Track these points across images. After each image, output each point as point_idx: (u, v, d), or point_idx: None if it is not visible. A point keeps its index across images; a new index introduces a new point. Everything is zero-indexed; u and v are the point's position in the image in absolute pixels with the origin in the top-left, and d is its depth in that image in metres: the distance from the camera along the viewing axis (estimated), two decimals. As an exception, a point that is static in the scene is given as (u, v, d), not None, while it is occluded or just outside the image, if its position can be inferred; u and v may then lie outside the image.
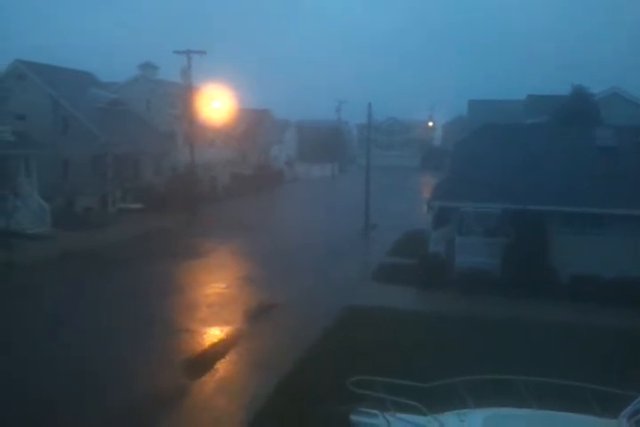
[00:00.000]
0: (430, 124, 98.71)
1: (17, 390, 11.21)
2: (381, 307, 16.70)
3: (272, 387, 11.48)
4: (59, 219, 28.04)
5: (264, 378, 12.07)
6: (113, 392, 11.28)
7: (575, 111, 30.25)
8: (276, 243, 26.82)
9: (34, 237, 25.32)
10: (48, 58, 52.40)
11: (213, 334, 14.94)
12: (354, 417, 7.80)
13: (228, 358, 13.33)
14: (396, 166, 78.68)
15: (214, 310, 16.93)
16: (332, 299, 17.62)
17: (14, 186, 27.02)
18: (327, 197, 47.96)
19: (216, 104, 43.31)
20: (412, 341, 13.88)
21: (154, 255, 23.57)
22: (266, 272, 21.28)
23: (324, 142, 74.48)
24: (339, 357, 12.82)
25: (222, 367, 12.83)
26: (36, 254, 22.60)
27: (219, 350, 13.68)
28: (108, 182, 34.15)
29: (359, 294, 18.38)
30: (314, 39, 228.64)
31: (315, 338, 14.17)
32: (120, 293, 18.12)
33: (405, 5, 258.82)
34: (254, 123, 57.74)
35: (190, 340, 14.47)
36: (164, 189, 37.16)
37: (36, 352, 13.22)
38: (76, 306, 16.77)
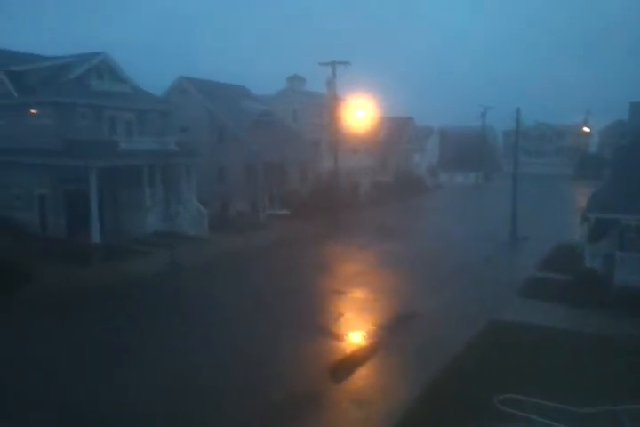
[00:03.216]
0: (586, 129, 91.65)
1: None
2: (530, 324, 15.82)
3: (413, 399, 11.37)
4: (214, 222, 30.28)
5: (404, 389, 11.99)
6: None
7: None
8: (419, 252, 26.57)
9: (193, 239, 27.60)
10: (208, 74, 56.67)
11: (355, 339, 15.17)
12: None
13: (367, 365, 13.44)
14: (547, 175, 74.23)
15: (352, 315, 17.19)
16: (476, 312, 17.04)
17: (177, 192, 29.65)
18: (471, 207, 46.56)
19: (359, 113, 44.01)
20: (566, 362, 12.96)
21: (302, 258, 24.78)
22: (408, 281, 21.19)
23: (468, 149, 72.31)
24: (483, 373, 12.36)
25: (363, 373, 12.97)
26: (196, 255, 24.61)
27: (358, 357, 13.84)
28: (258, 189, 36.19)
29: (505, 309, 17.56)
30: (456, 44, 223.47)
31: (457, 352, 13.80)
32: (277, 288, 19.19)
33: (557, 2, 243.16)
34: (396, 130, 57.80)
35: (333, 343, 14.78)
36: (308, 195, 38.49)
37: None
38: (236, 303, 18.01)
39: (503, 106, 50.60)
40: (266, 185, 37.00)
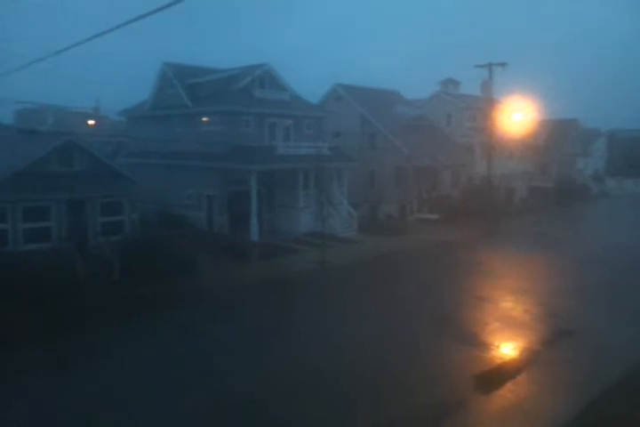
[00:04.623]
0: None
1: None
2: None
3: (569, 421, 10.69)
4: (363, 224, 30.87)
5: (558, 408, 11.30)
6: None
7: None
8: (582, 263, 24.72)
9: (343, 240, 28.43)
10: (362, 80, 57.96)
11: (505, 351, 14.58)
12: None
13: (519, 379, 12.86)
14: None
15: (501, 325, 16.49)
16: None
17: (329, 194, 30.73)
18: (642, 216, 42.24)
19: (516, 116, 42.13)
20: None
21: (452, 263, 24.40)
22: (568, 294, 19.74)
23: (641, 154, 65.70)
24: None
25: (513, 387, 12.45)
26: (346, 255, 25.32)
27: (508, 370, 13.30)
28: (407, 192, 36.22)
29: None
30: (629, 42, 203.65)
31: (620, 375, 12.69)
32: (424, 292, 19.16)
33: None
34: (558, 133, 54.35)
35: (481, 353, 14.34)
36: (460, 200, 37.67)
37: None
38: (381, 304, 18.33)
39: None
40: (416, 189, 36.93)
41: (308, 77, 53.39)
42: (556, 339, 15.21)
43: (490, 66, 34.02)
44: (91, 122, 50.07)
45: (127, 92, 39.17)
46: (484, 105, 36.31)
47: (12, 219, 20.51)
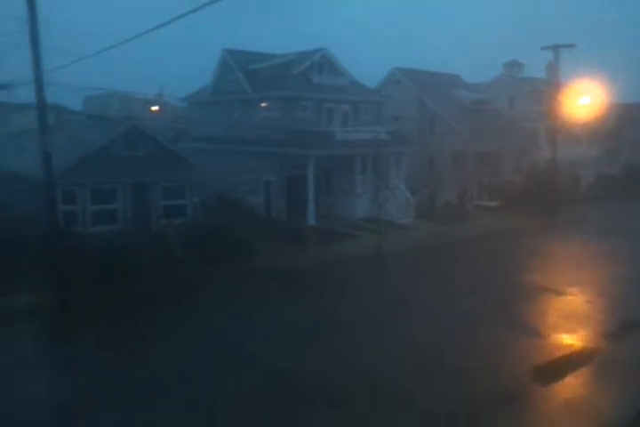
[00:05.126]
0: None
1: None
2: None
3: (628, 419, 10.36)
4: (421, 211, 30.54)
5: (619, 405, 10.97)
6: None
7: None
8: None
9: (400, 226, 28.26)
10: (422, 63, 56.90)
11: (568, 340, 14.20)
12: None
13: (581, 372, 12.52)
14: None
15: (566, 317, 16.02)
16: None
17: (386, 179, 30.53)
18: None
19: (584, 99, 40.38)
20: None
21: (513, 252, 23.87)
22: (630, 286, 18.89)
23: None
24: None
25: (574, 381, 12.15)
26: (402, 241, 25.20)
27: (570, 363, 12.96)
28: (467, 178, 35.51)
29: None
30: None
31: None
32: (483, 281, 18.89)
33: None
34: (628, 118, 51.70)
35: (543, 344, 14.03)
36: (522, 187, 36.59)
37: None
38: (439, 291, 18.22)
39: None
40: (475, 175, 36.13)
41: (367, 61, 52.85)
42: (621, 332, 14.68)
43: (556, 47, 32.75)
44: (154, 108, 51.45)
45: (189, 79, 40.03)
46: (549, 88, 35.02)
47: (81, 201, 21.48)
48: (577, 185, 42.46)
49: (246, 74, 31.77)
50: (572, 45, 32.52)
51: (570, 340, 14.31)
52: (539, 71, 41.11)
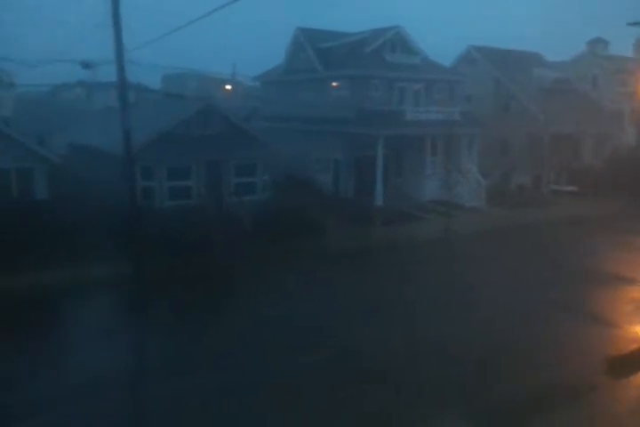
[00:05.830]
0: None
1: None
2: None
3: None
4: (493, 195, 29.74)
5: None
6: None
7: None
8: None
9: (470, 210, 27.69)
10: (500, 41, 54.87)
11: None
12: None
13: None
14: None
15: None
16: None
17: (457, 161, 29.87)
18: None
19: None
20: None
21: (591, 240, 23.00)
22: None
23: None
24: None
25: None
26: (472, 225, 24.74)
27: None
28: (543, 162, 34.15)
29: None
30: None
31: None
32: (553, 268, 18.33)
33: None
34: None
35: (616, 335, 13.53)
36: (603, 171, 34.83)
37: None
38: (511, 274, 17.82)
39: None
40: (553, 158, 34.64)
41: (441, 39, 51.44)
42: None
43: (647, 23, 30.66)
44: (228, 87, 52.39)
45: (262, 59, 40.35)
46: (636, 67, 32.92)
47: (158, 177, 22.33)
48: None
49: (318, 52, 31.69)
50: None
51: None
52: (625, 49, 38.72)
